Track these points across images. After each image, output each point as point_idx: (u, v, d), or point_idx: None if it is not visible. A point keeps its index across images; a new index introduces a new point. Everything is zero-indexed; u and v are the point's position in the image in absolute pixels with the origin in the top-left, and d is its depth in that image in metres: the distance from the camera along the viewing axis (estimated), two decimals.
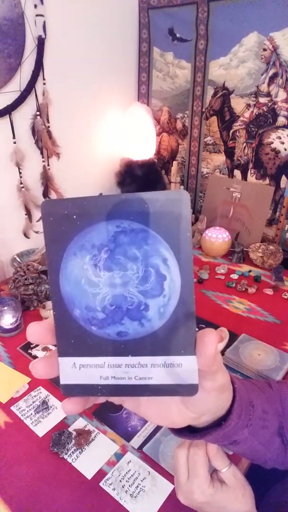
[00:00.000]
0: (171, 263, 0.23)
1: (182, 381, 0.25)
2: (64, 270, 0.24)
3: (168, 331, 0.24)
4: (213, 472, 0.46)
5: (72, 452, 0.72)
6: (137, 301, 0.24)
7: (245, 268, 1.36)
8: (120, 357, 0.25)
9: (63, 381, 0.26)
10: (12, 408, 0.81)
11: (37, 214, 1.37)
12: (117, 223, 0.23)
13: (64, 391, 0.26)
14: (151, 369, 0.25)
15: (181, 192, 0.23)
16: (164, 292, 0.23)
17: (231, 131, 1.43)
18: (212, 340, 0.25)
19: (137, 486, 0.67)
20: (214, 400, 0.31)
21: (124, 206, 0.23)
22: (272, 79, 1.25)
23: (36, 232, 1.38)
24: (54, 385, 0.87)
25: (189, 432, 0.37)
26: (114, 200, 0.23)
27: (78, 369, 0.25)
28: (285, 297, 1.19)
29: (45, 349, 0.98)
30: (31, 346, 0.99)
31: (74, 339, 0.25)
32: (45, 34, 1.15)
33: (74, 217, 0.23)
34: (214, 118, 1.45)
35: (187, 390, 0.25)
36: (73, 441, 0.74)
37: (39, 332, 0.26)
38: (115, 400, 0.31)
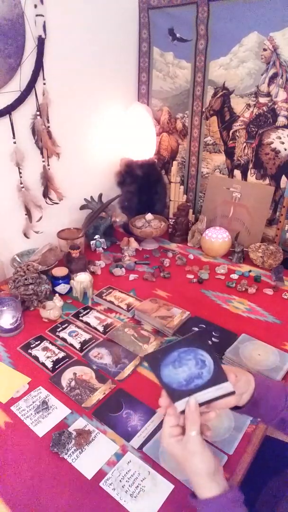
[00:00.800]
0: (207, 357, 0.59)
1: (228, 391, 0.57)
2: (162, 372, 0.58)
3: (215, 376, 0.58)
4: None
5: (72, 452, 0.72)
6: (197, 372, 0.58)
7: (245, 268, 1.36)
8: (201, 391, 0.57)
9: (179, 410, 0.57)
10: (12, 408, 0.82)
11: (37, 214, 1.37)
12: (181, 349, 0.60)
13: (181, 413, 0.57)
14: (216, 391, 0.57)
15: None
16: (206, 367, 0.59)
17: (231, 131, 1.43)
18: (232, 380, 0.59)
19: (137, 486, 0.67)
20: (243, 386, 0.63)
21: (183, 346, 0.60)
22: (272, 79, 1.25)
23: (36, 232, 1.38)
24: (54, 385, 0.87)
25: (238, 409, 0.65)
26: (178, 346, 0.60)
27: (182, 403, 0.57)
28: (285, 297, 1.19)
29: (45, 349, 0.98)
30: (31, 346, 0.99)
31: (175, 395, 0.57)
32: (45, 34, 1.15)
33: (159, 356, 0.60)
34: (214, 118, 1.45)
35: (231, 394, 0.58)
36: (73, 441, 0.74)
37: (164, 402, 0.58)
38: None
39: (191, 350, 0.59)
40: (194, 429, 0.55)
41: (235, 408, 0.64)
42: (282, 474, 0.79)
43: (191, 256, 1.44)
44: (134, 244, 1.48)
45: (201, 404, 0.56)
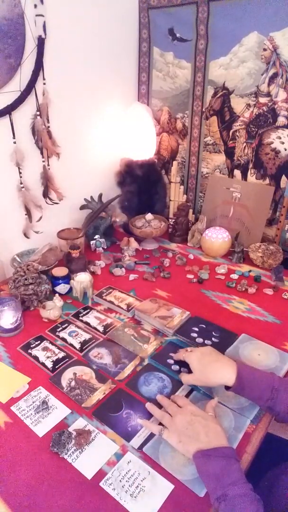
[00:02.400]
0: (162, 374, 0.89)
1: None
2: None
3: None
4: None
5: (72, 452, 0.72)
6: (162, 385, 0.87)
7: (245, 268, 1.36)
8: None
9: None
10: (12, 408, 0.81)
11: (37, 214, 1.37)
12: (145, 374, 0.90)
13: None
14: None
15: None
16: (165, 380, 0.88)
17: (231, 131, 1.43)
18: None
19: (137, 486, 0.67)
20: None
21: None
22: (272, 79, 1.25)
23: (36, 232, 1.38)
24: (54, 385, 0.87)
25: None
26: None
27: None
28: (285, 297, 1.19)
29: (45, 349, 0.98)
30: (31, 346, 0.99)
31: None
32: (45, 34, 1.15)
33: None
34: (214, 118, 1.45)
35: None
36: (73, 441, 0.74)
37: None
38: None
39: (150, 373, 0.89)
40: (210, 410, 0.76)
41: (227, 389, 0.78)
42: (280, 467, 0.80)
43: (191, 256, 1.44)
44: (134, 244, 1.48)
45: None
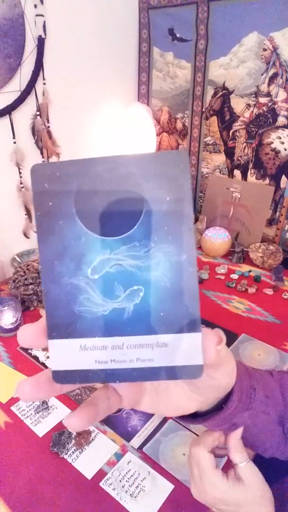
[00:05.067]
0: None
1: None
2: None
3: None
4: (231, 468, 0.44)
5: (72, 452, 0.72)
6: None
7: (245, 268, 1.36)
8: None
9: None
10: (12, 408, 0.81)
11: None
12: None
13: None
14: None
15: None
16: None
17: (231, 131, 1.43)
18: (210, 343, 0.24)
19: (137, 486, 0.67)
20: (223, 386, 0.32)
21: None
22: (272, 79, 1.25)
23: (36, 232, 1.38)
24: None
25: (191, 417, 0.37)
26: None
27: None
28: (285, 297, 1.19)
29: (45, 349, 0.98)
30: None
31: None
32: (45, 34, 1.15)
33: None
34: (214, 118, 1.45)
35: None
36: (73, 441, 0.74)
37: (31, 333, 0.25)
38: (129, 404, 0.30)
39: None
40: (246, 457, 0.43)
41: (186, 418, 0.44)
42: (280, 483, 0.79)
43: None
44: None
45: (94, 377, 0.28)
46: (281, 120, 1.29)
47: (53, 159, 1.34)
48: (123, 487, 0.67)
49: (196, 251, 0.23)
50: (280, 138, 1.31)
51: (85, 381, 0.24)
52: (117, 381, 0.24)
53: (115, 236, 0.22)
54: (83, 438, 0.74)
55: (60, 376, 0.24)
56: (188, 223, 0.22)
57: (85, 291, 0.23)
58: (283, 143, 1.31)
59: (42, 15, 1.13)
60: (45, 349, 0.97)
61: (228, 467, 0.65)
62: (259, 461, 0.73)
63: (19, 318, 1.03)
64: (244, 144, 1.41)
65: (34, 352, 0.97)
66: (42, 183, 0.22)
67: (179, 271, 0.23)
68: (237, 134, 1.41)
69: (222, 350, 0.26)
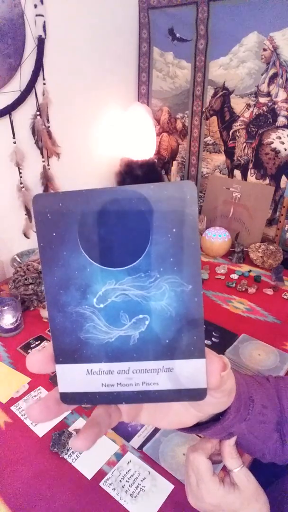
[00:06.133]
0: None
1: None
2: None
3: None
4: (226, 474, 0.45)
5: (72, 452, 0.72)
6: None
7: (245, 268, 1.36)
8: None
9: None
10: (12, 408, 0.81)
11: None
12: None
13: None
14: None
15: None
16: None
17: (231, 131, 1.43)
18: (214, 369, 0.25)
19: (137, 486, 0.67)
20: (223, 402, 0.33)
21: None
22: (272, 79, 1.25)
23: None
24: (54, 385, 0.87)
25: (189, 427, 0.37)
26: None
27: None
28: (285, 297, 1.19)
29: None
30: (31, 346, 0.99)
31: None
32: (45, 34, 1.15)
33: None
34: (214, 118, 1.45)
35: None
36: None
37: (39, 360, 0.26)
38: (128, 418, 0.31)
39: None
40: (240, 463, 0.43)
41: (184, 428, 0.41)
42: (278, 483, 0.79)
43: None
44: None
45: (101, 399, 0.27)
46: (281, 120, 1.29)
47: (53, 159, 1.34)
48: (123, 487, 0.67)
49: (201, 280, 0.24)
50: (280, 138, 1.31)
51: (92, 403, 0.25)
52: (123, 403, 0.25)
53: (120, 267, 0.22)
54: None
55: (68, 398, 0.25)
56: (194, 255, 0.22)
57: (90, 319, 0.23)
58: (283, 143, 1.31)
59: (42, 15, 1.13)
60: None
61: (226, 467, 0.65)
62: (258, 462, 0.73)
63: (19, 318, 1.03)
64: (244, 144, 1.41)
65: None
66: (44, 213, 0.22)
67: (184, 301, 0.23)
68: (237, 134, 1.41)
69: (225, 375, 0.27)
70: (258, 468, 0.72)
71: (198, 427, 0.37)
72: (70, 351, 0.24)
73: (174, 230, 0.22)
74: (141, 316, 0.23)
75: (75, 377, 0.25)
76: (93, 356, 0.24)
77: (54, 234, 0.22)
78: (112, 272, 0.23)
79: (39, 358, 0.25)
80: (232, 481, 0.43)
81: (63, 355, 0.24)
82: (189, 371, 0.24)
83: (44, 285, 0.23)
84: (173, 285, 0.23)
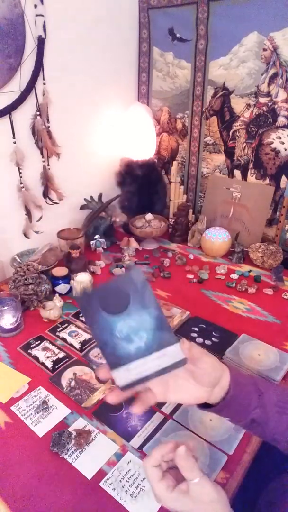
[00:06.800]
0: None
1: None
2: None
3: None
4: (183, 481, 0.49)
5: (72, 452, 0.72)
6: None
7: (245, 268, 1.36)
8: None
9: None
10: (12, 408, 0.82)
11: (37, 214, 1.37)
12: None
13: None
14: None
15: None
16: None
17: (231, 131, 1.43)
18: (183, 346, 0.48)
19: (137, 486, 0.67)
20: (210, 372, 0.51)
21: None
22: (272, 79, 1.25)
23: (36, 232, 1.38)
24: (54, 385, 0.87)
25: (208, 407, 0.55)
26: None
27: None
28: (285, 297, 1.19)
29: (45, 349, 0.98)
30: (31, 346, 0.99)
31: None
32: (45, 34, 1.15)
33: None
34: (214, 118, 1.45)
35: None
36: (73, 441, 0.74)
37: (104, 372, 0.48)
38: (159, 397, 0.51)
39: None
40: (195, 476, 0.47)
41: (204, 406, 0.55)
42: (280, 478, 0.79)
43: (191, 256, 1.44)
44: (134, 244, 1.48)
45: (139, 382, 0.47)
46: (281, 120, 1.29)
47: (53, 159, 1.34)
48: (123, 487, 0.67)
49: (156, 303, 0.46)
50: (280, 138, 1.31)
51: (137, 386, 0.48)
52: (149, 381, 0.48)
53: (122, 313, 0.45)
54: (83, 438, 0.74)
55: (124, 388, 0.48)
56: (152, 300, 0.46)
57: (119, 343, 0.46)
58: (283, 143, 1.31)
59: (42, 15, 1.13)
60: (45, 349, 0.97)
61: (226, 467, 0.65)
62: (264, 455, 0.74)
63: (19, 318, 1.03)
64: (244, 144, 1.41)
65: (34, 352, 0.97)
66: (85, 302, 0.45)
67: (156, 318, 0.46)
68: (237, 134, 1.41)
69: (192, 348, 0.49)
70: (263, 461, 0.73)
71: (213, 407, 0.54)
72: (114, 362, 0.46)
73: (137, 293, 0.45)
74: (141, 333, 0.46)
75: (123, 375, 0.47)
76: (126, 360, 0.46)
77: (89, 309, 0.45)
78: (119, 316, 0.45)
79: (104, 372, 0.47)
80: (186, 489, 0.48)
81: (112, 365, 0.46)
82: (173, 352, 0.47)
83: (93, 333, 0.46)
84: (148, 313, 0.46)
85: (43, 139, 1.27)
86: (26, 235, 1.36)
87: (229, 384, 0.53)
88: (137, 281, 0.45)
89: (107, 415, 0.80)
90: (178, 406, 0.81)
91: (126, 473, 0.69)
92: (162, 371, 0.47)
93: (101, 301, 0.44)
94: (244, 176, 1.46)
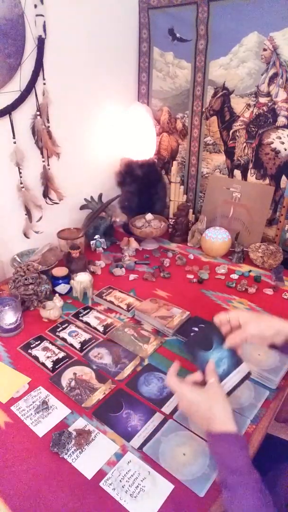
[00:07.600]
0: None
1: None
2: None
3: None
4: (199, 384, 0.72)
5: (72, 452, 0.72)
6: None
7: (245, 268, 1.36)
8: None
9: None
10: (12, 408, 0.82)
11: (37, 214, 1.37)
12: None
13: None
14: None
15: None
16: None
17: (231, 131, 1.43)
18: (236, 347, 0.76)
19: (137, 486, 0.67)
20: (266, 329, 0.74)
21: None
22: (272, 79, 1.25)
23: (36, 232, 1.38)
24: (54, 385, 0.87)
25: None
26: None
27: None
28: (285, 297, 1.19)
29: (45, 349, 0.98)
30: (31, 346, 0.99)
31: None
32: (45, 34, 1.15)
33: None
34: (214, 118, 1.45)
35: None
36: (73, 441, 0.74)
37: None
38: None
39: (150, 373, 0.90)
40: (212, 377, 0.70)
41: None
42: (280, 467, 0.80)
43: (191, 256, 1.44)
44: (134, 244, 1.48)
45: (230, 392, 0.71)
46: (281, 120, 1.29)
47: (53, 159, 1.34)
48: (123, 487, 0.67)
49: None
50: (280, 138, 1.31)
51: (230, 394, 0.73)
52: (236, 390, 0.74)
53: (212, 350, 0.74)
54: (83, 438, 0.74)
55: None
56: (222, 338, 0.76)
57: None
58: (283, 143, 1.31)
59: (42, 15, 1.13)
60: (45, 349, 0.97)
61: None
62: (260, 452, 0.74)
63: (19, 318, 1.03)
64: (244, 144, 1.41)
65: (34, 352, 0.97)
66: (191, 346, 0.77)
67: (231, 355, 0.74)
68: (237, 134, 1.41)
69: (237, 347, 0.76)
70: (261, 456, 0.74)
71: None
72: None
73: (216, 336, 0.76)
74: (223, 360, 0.73)
75: None
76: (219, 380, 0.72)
77: (194, 350, 0.75)
78: (211, 351, 0.73)
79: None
80: (201, 387, 0.70)
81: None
82: (243, 366, 0.73)
83: (198, 365, 0.73)
84: (228, 351, 0.74)
85: (43, 139, 1.27)
86: (26, 235, 1.36)
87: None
88: (215, 329, 0.76)
89: (107, 415, 0.80)
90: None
91: (126, 473, 0.69)
92: (240, 382, 0.72)
93: (199, 344, 0.74)
94: (244, 176, 1.46)
